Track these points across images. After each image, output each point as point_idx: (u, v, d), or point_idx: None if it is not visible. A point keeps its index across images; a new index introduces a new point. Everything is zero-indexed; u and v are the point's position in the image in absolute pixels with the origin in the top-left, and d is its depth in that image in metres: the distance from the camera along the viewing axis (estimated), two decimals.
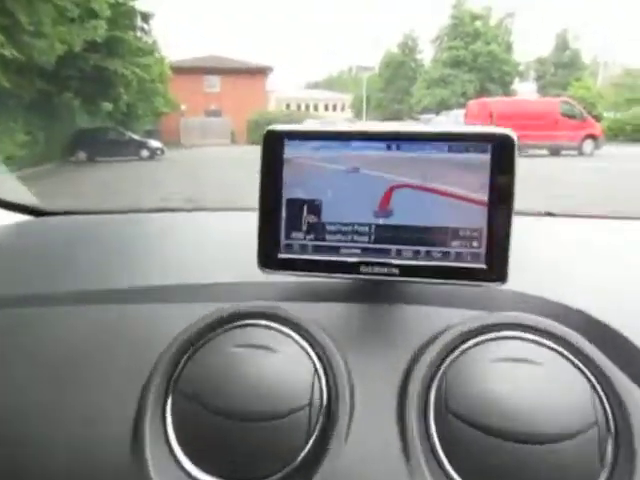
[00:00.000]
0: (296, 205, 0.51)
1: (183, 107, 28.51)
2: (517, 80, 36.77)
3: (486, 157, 0.49)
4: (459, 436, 0.44)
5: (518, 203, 0.48)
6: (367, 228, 0.51)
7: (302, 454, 0.45)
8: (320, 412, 0.47)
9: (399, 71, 39.39)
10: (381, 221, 0.51)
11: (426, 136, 0.50)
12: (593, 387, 0.46)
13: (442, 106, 28.01)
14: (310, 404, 0.46)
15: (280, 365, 0.48)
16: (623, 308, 0.55)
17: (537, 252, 0.71)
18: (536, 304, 0.56)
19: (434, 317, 0.54)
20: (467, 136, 0.49)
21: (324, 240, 0.51)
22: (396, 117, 31.96)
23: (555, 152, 15.05)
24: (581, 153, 14.79)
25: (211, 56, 32.42)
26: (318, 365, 0.49)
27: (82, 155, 15.36)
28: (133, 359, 0.52)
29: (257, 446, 0.45)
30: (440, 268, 0.50)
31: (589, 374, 0.46)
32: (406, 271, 0.51)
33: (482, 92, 28.13)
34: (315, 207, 0.51)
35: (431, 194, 0.50)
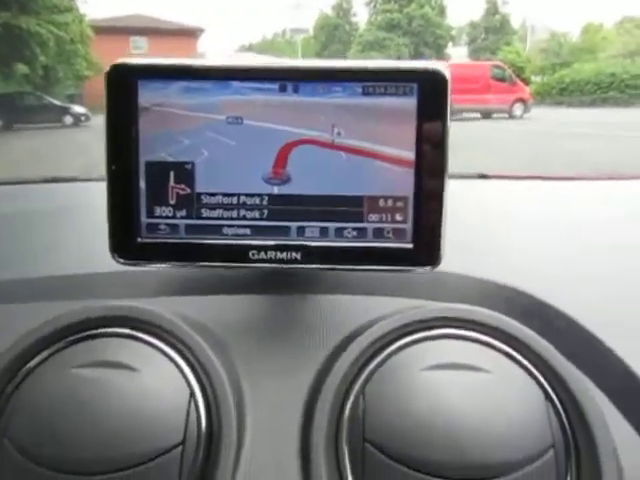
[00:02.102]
0: (159, 171, 0.37)
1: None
2: (450, 44, 37.12)
3: (411, 101, 0.36)
4: (380, 473, 0.33)
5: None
6: (258, 200, 0.38)
7: None
8: (197, 452, 0.34)
9: (334, 34, 38.76)
10: (276, 190, 0.38)
11: (333, 74, 0.37)
12: (547, 395, 0.35)
13: None
14: (184, 442, 0.34)
15: (142, 390, 0.35)
16: (572, 288, 0.45)
17: (468, 221, 0.61)
18: (475, 287, 0.46)
19: (351, 310, 0.42)
20: (387, 73, 0.37)
21: (200, 217, 0.38)
22: None
23: (487, 115, 15.34)
24: (512, 116, 15.16)
25: (136, 15, 30.70)
26: (196, 387, 0.36)
27: None
28: None
29: None
30: (354, 250, 0.38)
31: (542, 379, 0.36)
32: (311, 255, 0.38)
33: (416, 56, 28.20)
34: (185, 173, 0.37)
35: (341, 152, 0.37)
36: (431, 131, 0.36)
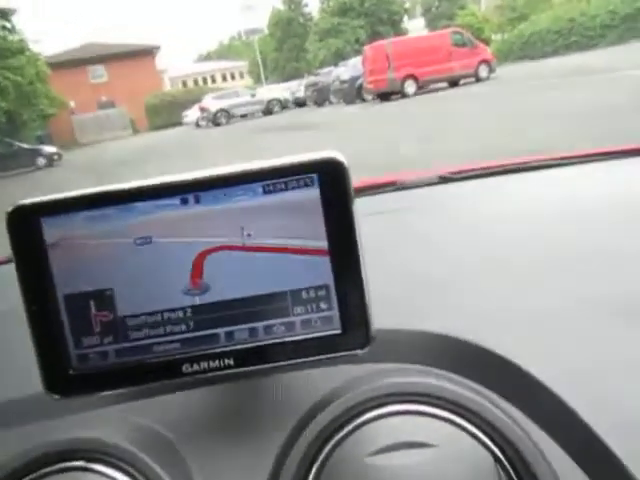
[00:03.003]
0: (79, 302, 0.37)
1: (72, 104, 26.63)
2: (406, 19, 36.97)
3: (314, 192, 0.36)
4: None
5: None
6: (181, 313, 0.38)
7: None
8: None
9: (289, 28, 38.53)
10: (198, 300, 0.37)
11: (232, 179, 0.37)
12: (496, 458, 0.36)
13: (339, 57, 27.78)
14: None
15: None
16: (507, 328, 0.45)
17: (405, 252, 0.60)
18: (421, 341, 0.46)
19: (298, 387, 0.43)
20: (285, 170, 0.36)
21: (128, 340, 0.38)
22: (295, 76, 31.39)
23: (454, 83, 15.33)
24: (478, 79, 15.16)
25: (89, 44, 30.38)
26: None
27: None
28: None
29: None
30: (286, 344, 0.38)
31: (489, 442, 0.36)
32: (243, 358, 0.38)
33: (374, 36, 28.05)
34: (106, 299, 0.37)
35: (254, 253, 0.37)
36: (339, 216, 0.37)
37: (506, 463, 0.36)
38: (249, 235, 0.37)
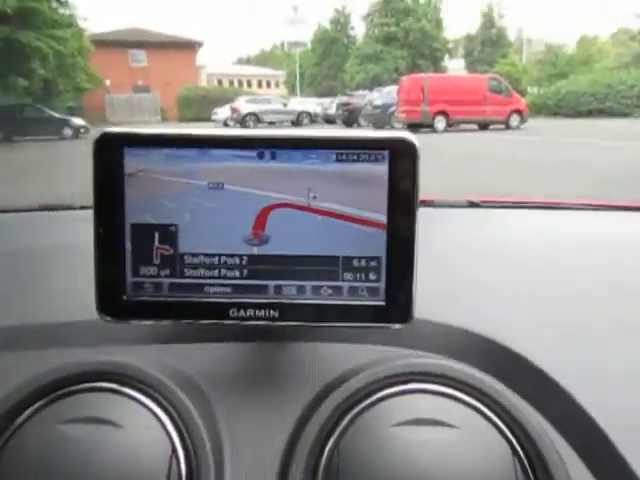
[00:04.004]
0: (144, 233, 0.39)
1: (108, 82, 27.01)
2: (447, 57, 37.38)
3: (383, 167, 0.38)
4: None
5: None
6: (238, 260, 0.40)
7: None
8: None
9: (332, 47, 39.04)
10: (255, 250, 0.39)
11: (309, 142, 0.39)
12: (514, 451, 0.37)
13: (375, 82, 28.03)
14: None
15: (125, 445, 0.37)
16: (545, 340, 0.47)
17: (452, 259, 0.62)
18: (447, 335, 0.47)
19: (328, 358, 0.44)
20: (359, 142, 0.39)
21: (183, 276, 0.40)
22: (329, 93, 31.71)
23: (484, 126, 15.43)
24: (508, 127, 15.24)
25: (135, 29, 30.88)
26: (177, 441, 0.38)
27: None
28: None
29: None
30: (330, 307, 0.40)
31: (510, 434, 0.38)
32: (288, 313, 0.40)
33: (414, 68, 28.37)
34: (169, 234, 0.39)
35: (317, 215, 0.39)
36: (401, 195, 0.38)
37: (522, 455, 0.37)
38: (314, 197, 0.39)
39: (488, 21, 35.46)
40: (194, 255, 0.40)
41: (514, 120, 15.48)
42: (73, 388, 0.39)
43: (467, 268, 0.59)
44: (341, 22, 39.94)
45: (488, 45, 35.00)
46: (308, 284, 0.40)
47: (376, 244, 0.39)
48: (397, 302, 0.39)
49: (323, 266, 0.40)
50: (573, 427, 0.40)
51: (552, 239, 0.73)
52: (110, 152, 0.39)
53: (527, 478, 0.37)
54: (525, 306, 0.52)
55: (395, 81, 20.39)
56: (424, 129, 14.90)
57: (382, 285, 0.39)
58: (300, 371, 0.44)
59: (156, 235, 0.39)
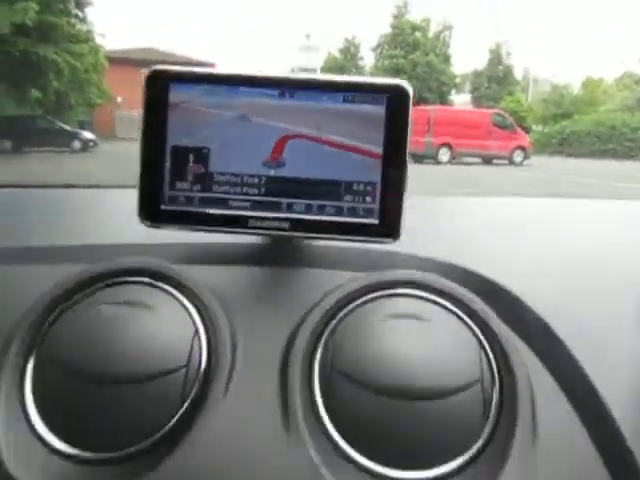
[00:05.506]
0: (181, 153, 0.48)
1: (119, 99, 27.48)
2: (453, 91, 38.01)
3: (381, 109, 0.47)
4: (343, 394, 0.42)
5: None
6: (257, 179, 0.48)
7: (173, 420, 0.42)
8: (197, 374, 0.43)
9: (340, 75, 39.69)
10: (272, 172, 0.48)
11: (321, 84, 0.47)
12: (480, 343, 0.45)
13: None
14: (187, 365, 0.43)
15: (157, 324, 0.44)
16: (516, 269, 0.55)
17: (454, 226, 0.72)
18: (430, 266, 0.55)
19: (326, 279, 0.51)
20: (362, 86, 0.47)
21: (211, 191, 0.48)
22: None
23: (487, 161, 15.65)
24: (511, 162, 15.45)
25: (149, 48, 31.41)
26: (200, 325, 0.45)
27: (7, 144, 14.45)
28: None
29: (124, 413, 0.41)
30: (332, 223, 0.48)
31: (477, 331, 0.45)
32: (297, 226, 0.48)
33: (420, 101, 28.84)
34: (202, 156, 0.48)
35: (325, 146, 0.47)
36: (395, 131, 0.47)
37: (487, 348, 0.45)
38: (323, 131, 0.47)
39: (495, 58, 36.17)
40: (221, 174, 0.48)
41: (517, 156, 15.69)
42: (115, 280, 0.47)
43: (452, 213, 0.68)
44: (351, 52, 40.75)
45: (495, 82, 35.63)
46: (315, 203, 0.48)
47: (373, 172, 0.47)
48: (388, 221, 0.47)
49: (328, 188, 0.48)
50: (534, 334, 0.47)
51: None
52: (157, 86, 0.47)
53: (490, 368, 0.44)
54: (505, 241, 0.60)
55: None
56: (427, 160, 15.14)
57: (376, 206, 0.47)
58: (304, 286, 0.52)
59: (191, 156, 0.48)
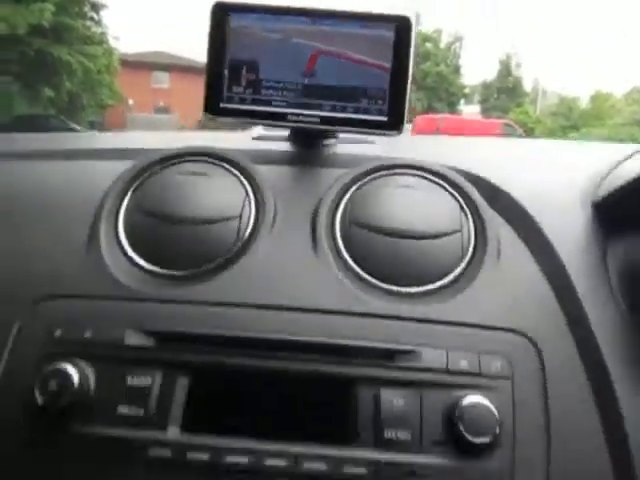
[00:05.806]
0: (237, 65, 0.63)
1: (131, 102, 27.90)
2: (463, 101, 38.24)
3: (390, 34, 0.62)
4: (359, 237, 0.56)
5: None
6: (295, 85, 0.63)
7: (234, 250, 0.56)
8: (248, 222, 0.58)
9: None
10: (306, 81, 0.63)
11: (343, 14, 0.62)
12: (462, 208, 0.59)
13: None
14: (240, 216, 0.58)
15: (217, 187, 0.59)
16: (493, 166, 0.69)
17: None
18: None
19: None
20: (378, 17, 0.62)
21: (259, 94, 0.63)
22: None
23: None
24: None
25: (160, 52, 31.83)
26: (249, 188, 0.60)
27: None
28: (86, 193, 0.62)
29: (191, 245, 0.56)
30: (351, 119, 0.63)
31: (460, 199, 0.60)
32: (325, 121, 0.63)
33: (429, 110, 29.08)
34: (253, 67, 0.63)
35: (347, 61, 0.62)
36: (401, 52, 0.62)
37: (468, 214, 0.59)
38: (348, 49, 0.63)
39: (505, 69, 36.36)
40: (267, 81, 0.63)
41: None
42: (181, 159, 0.62)
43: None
44: None
45: (504, 93, 35.82)
46: (338, 104, 0.63)
47: (383, 80, 0.62)
48: (395, 118, 0.62)
49: (349, 93, 0.62)
50: (506, 207, 0.62)
51: None
52: (220, 14, 0.62)
53: (468, 227, 0.58)
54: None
55: (410, 120, 20.97)
56: None
57: (385, 107, 0.62)
58: (325, 176, 0.66)
59: (244, 67, 0.63)
